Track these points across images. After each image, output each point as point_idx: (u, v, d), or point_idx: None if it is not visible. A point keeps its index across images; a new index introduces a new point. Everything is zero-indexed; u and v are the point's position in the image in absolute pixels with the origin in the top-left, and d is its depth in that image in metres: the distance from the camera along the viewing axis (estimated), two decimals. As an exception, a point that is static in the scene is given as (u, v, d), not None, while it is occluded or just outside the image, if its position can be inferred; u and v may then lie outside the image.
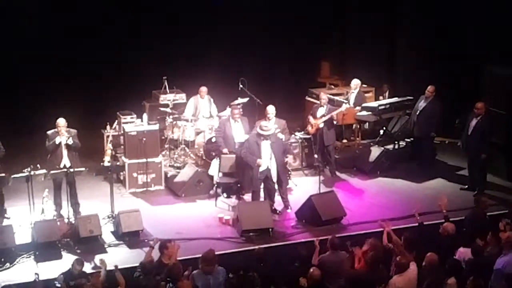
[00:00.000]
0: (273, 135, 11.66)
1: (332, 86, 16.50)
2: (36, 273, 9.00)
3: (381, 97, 15.55)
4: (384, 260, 8.96)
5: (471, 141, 12.34)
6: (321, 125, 13.14)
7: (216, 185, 12.34)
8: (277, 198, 11.98)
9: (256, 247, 9.74)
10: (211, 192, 12.46)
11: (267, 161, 11.43)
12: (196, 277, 8.58)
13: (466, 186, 12.67)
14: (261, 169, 11.41)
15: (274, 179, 11.55)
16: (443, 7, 15.26)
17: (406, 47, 16.25)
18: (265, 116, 12.46)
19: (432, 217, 10.74)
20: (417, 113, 13.28)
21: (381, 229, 9.81)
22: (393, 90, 15.65)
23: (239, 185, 12.17)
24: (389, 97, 15.29)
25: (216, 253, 9.04)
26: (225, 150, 12.36)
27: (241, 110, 13.02)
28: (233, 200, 12.22)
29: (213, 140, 13.04)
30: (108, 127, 13.62)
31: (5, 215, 11.38)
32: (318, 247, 9.40)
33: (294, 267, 9.15)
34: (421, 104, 13.25)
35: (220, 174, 12.28)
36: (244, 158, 11.60)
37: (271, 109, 12.47)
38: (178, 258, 9.30)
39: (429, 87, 13.19)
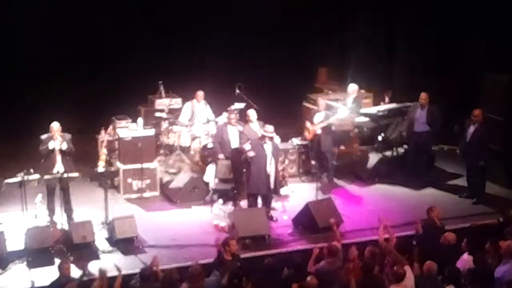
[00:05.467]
0: (273, 140, 11.60)
1: (330, 92, 16.41)
2: (32, 281, 8.87)
3: (381, 103, 15.45)
4: (378, 267, 8.88)
5: (470, 148, 12.26)
6: (318, 131, 13.04)
7: (212, 192, 12.22)
8: (274, 205, 11.90)
9: (262, 254, 9.61)
10: (207, 198, 12.36)
11: (268, 165, 11.34)
12: None
13: (465, 194, 12.57)
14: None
15: (271, 185, 11.44)
16: (443, 13, 15.21)
17: (405, 53, 16.21)
18: (248, 121, 12.43)
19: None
20: (417, 123, 13.09)
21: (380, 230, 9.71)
22: (392, 96, 15.57)
23: (235, 191, 12.06)
24: (388, 103, 15.20)
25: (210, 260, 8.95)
26: (221, 156, 12.26)
27: (237, 115, 12.92)
28: (229, 207, 12.11)
29: (209, 146, 12.94)
30: (102, 132, 13.51)
31: (-2, 221, 11.27)
32: (316, 253, 9.31)
33: (287, 273, 9.02)
34: (419, 113, 13.09)
35: (216, 180, 12.17)
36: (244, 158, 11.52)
37: (252, 113, 12.42)
38: (173, 265, 9.22)
39: (422, 94, 13.05)
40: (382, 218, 9.80)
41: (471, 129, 12.22)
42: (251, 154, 11.36)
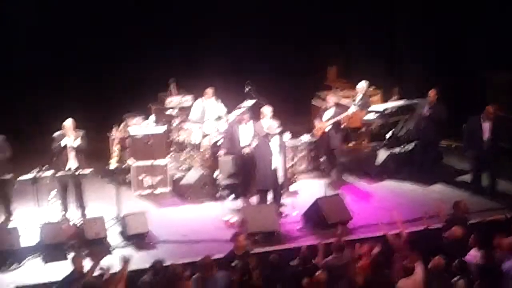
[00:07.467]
0: (280, 136, 11.68)
1: (339, 89, 16.47)
2: (45, 276, 8.84)
3: (390, 100, 15.49)
4: (387, 263, 8.97)
5: (488, 145, 12.26)
6: (328, 128, 13.13)
7: (220, 188, 12.31)
8: (284, 201, 11.99)
9: (272, 249, 9.71)
10: (217, 194, 12.44)
11: (275, 161, 11.43)
12: (195, 283, 8.54)
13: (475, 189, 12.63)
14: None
15: (280, 180, 11.52)
16: (449, 9, 15.24)
17: (413, 50, 16.22)
18: (262, 118, 12.45)
19: (439, 221, 10.64)
20: (421, 118, 13.16)
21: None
22: (400, 93, 15.62)
23: (243, 187, 12.16)
24: (397, 100, 15.24)
25: (221, 255, 9.05)
26: (221, 152, 12.33)
27: (249, 113, 13.02)
28: (239, 203, 12.20)
29: (220, 143, 13.03)
30: (114, 129, 13.62)
31: (11, 217, 11.40)
32: (322, 249, 9.45)
33: (296, 268, 9.12)
34: (425, 109, 13.16)
35: (222, 176, 12.27)
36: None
37: (267, 110, 12.48)
38: (185, 261, 9.33)
39: (430, 91, 13.07)
40: (395, 214, 9.91)
41: (486, 126, 12.25)
42: (246, 150, 11.65)
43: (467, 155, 12.90)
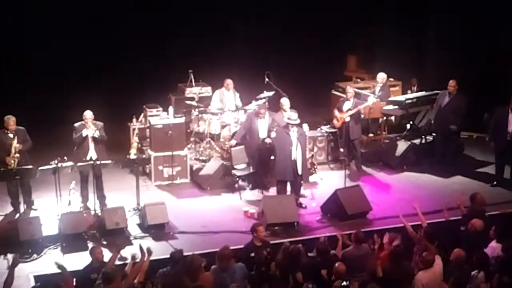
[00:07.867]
0: (299, 127, 11.65)
1: (359, 80, 16.42)
2: (66, 265, 8.84)
3: (409, 91, 15.43)
4: (406, 254, 8.94)
5: None
6: (347, 119, 13.08)
7: (238, 178, 12.33)
8: (303, 192, 11.97)
9: (286, 242, 9.73)
10: (236, 185, 12.46)
11: (294, 152, 11.41)
12: (213, 273, 8.56)
13: (495, 183, 12.53)
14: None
15: (299, 172, 11.50)
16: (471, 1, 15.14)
17: (434, 40, 16.13)
18: (281, 109, 12.43)
19: (459, 213, 10.60)
20: (441, 109, 13.08)
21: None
22: (420, 84, 15.53)
23: (261, 178, 12.15)
24: (417, 91, 15.16)
25: (240, 246, 9.05)
26: (232, 142, 12.37)
27: (267, 105, 12.99)
28: (258, 194, 12.20)
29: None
30: (134, 120, 13.69)
31: (33, 207, 11.50)
32: (341, 240, 9.44)
33: (315, 259, 9.12)
34: (445, 99, 13.05)
35: (239, 166, 12.29)
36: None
37: (285, 102, 12.46)
38: (203, 251, 9.36)
39: (450, 81, 13.00)
40: (415, 206, 9.90)
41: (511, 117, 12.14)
42: (267, 141, 11.71)
43: (492, 145, 12.79)
